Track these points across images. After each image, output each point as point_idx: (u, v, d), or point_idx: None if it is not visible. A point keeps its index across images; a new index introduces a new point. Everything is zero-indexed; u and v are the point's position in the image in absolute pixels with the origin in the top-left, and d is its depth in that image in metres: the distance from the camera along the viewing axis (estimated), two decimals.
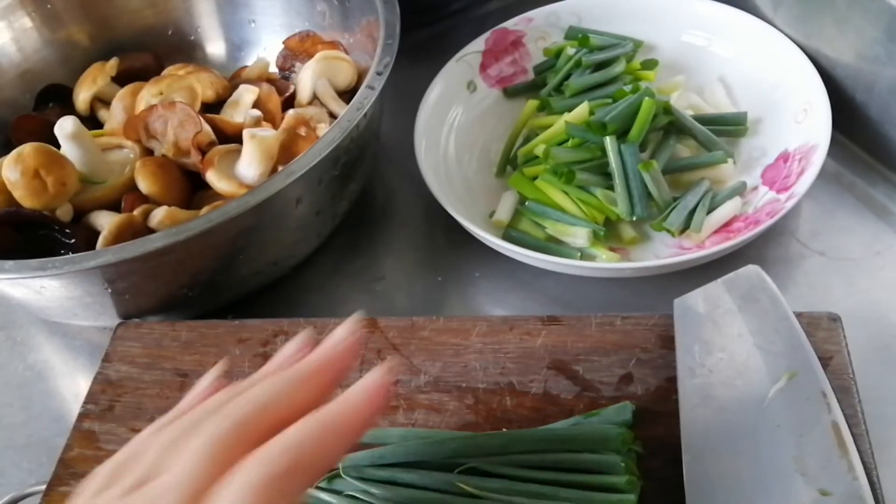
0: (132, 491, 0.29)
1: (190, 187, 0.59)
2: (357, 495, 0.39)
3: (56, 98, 0.70)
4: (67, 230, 0.56)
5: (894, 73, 0.53)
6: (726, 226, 0.54)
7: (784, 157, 0.56)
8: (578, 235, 0.55)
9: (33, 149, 0.55)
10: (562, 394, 0.43)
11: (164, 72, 0.68)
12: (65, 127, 0.58)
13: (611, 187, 0.55)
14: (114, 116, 0.64)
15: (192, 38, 0.74)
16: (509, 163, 0.62)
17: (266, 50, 0.73)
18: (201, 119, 0.58)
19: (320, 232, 0.59)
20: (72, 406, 0.54)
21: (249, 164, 0.56)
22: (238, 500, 0.27)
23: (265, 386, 0.31)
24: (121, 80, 0.68)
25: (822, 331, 0.43)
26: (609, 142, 0.55)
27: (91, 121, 0.68)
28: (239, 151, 0.58)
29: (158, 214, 0.55)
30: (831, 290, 0.52)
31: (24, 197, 0.55)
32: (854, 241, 0.54)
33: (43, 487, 0.45)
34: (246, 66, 0.71)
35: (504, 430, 0.41)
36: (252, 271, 0.55)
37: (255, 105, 0.63)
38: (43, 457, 0.52)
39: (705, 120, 0.59)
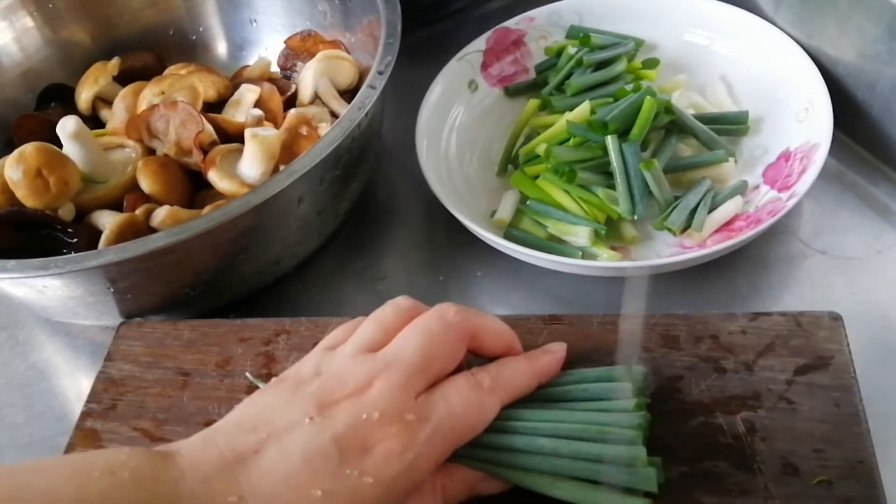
0: (369, 350, 0.39)
1: (192, 187, 0.59)
2: None
3: (58, 98, 0.70)
4: (69, 230, 0.56)
5: None
6: (728, 225, 0.54)
7: (785, 155, 0.56)
8: (580, 234, 0.55)
9: (35, 148, 0.55)
10: None
11: (166, 71, 0.68)
12: (67, 126, 0.58)
13: (612, 186, 0.55)
14: (115, 116, 0.64)
15: (194, 37, 0.74)
16: (511, 162, 0.62)
17: (267, 49, 0.73)
18: (203, 118, 0.58)
19: (322, 231, 0.59)
20: (74, 405, 0.54)
21: (251, 163, 0.56)
22: (451, 396, 0.37)
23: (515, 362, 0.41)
24: (122, 79, 0.68)
25: (824, 330, 0.43)
26: (610, 141, 0.55)
27: (93, 120, 0.68)
28: (241, 151, 0.58)
29: (160, 214, 0.55)
30: (833, 290, 0.52)
31: (26, 196, 0.55)
32: (856, 241, 0.54)
33: None
34: (247, 66, 0.71)
35: None
36: (254, 270, 0.56)
37: (257, 104, 0.63)
38: (45, 456, 0.52)
39: (707, 119, 0.59)
